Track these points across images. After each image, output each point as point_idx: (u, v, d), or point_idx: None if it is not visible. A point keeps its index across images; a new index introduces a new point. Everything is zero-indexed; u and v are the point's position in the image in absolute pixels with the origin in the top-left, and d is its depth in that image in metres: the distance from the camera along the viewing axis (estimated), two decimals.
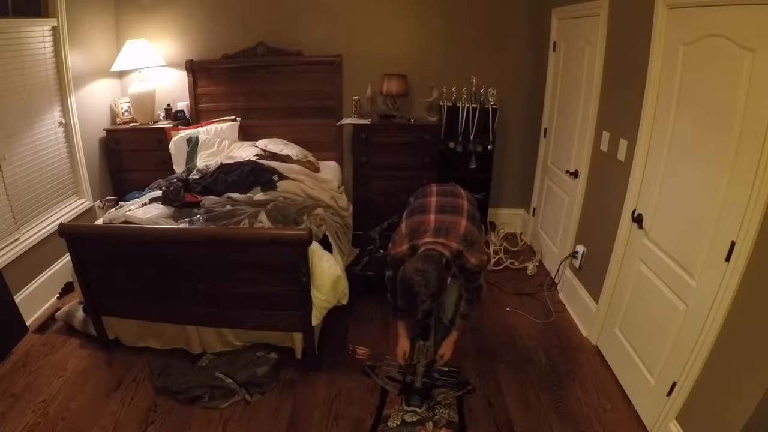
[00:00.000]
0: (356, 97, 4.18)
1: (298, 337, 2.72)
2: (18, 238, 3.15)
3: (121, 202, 3.34)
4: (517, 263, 3.94)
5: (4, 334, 2.87)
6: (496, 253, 3.98)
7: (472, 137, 3.95)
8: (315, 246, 2.62)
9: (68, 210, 3.66)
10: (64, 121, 3.62)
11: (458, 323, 2.36)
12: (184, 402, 2.51)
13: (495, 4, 4.06)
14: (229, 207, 3.06)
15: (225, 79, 4.34)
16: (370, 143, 4.11)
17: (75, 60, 3.65)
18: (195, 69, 4.30)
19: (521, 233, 4.51)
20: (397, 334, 2.40)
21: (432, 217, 2.12)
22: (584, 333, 3.08)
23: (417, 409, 2.31)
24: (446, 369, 2.39)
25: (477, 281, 2.17)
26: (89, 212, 3.89)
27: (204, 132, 4.14)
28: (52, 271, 3.44)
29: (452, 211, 2.15)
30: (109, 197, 4.11)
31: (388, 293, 2.29)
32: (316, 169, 3.98)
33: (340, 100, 4.32)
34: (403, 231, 2.14)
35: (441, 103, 4.07)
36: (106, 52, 4.10)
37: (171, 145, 4.05)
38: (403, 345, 2.36)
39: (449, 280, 2.08)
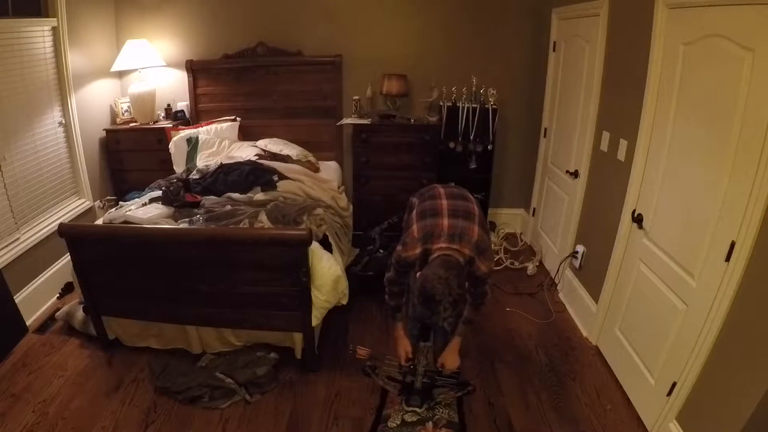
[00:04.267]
0: (356, 97, 4.18)
1: (298, 337, 2.72)
2: (18, 238, 3.15)
3: (121, 202, 3.34)
4: (517, 263, 3.94)
5: (4, 334, 2.87)
6: (496, 253, 3.98)
7: (472, 137, 3.95)
8: (315, 246, 2.62)
9: (68, 210, 3.66)
10: (64, 121, 3.62)
11: (461, 329, 2.32)
12: (184, 402, 2.52)
13: (495, 4, 4.06)
14: (229, 207, 3.06)
15: (225, 79, 4.34)
16: (370, 143, 4.11)
17: (75, 60, 3.65)
18: (195, 69, 4.30)
19: (521, 233, 4.51)
20: (396, 336, 2.39)
21: (446, 221, 2.07)
22: (584, 333, 3.08)
23: (417, 410, 2.31)
24: None
25: (483, 287, 2.15)
26: (89, 212, 3.89)
27: (204, 132, 4.13)
28: (52, 271, 3.44)
29: (465, 217, 2.11)
30: (109, 197, 4.11)
31: (386, 295, 2.27)
32: (316, 169, 3.98)
33: (340, 100, 4.32)
34: (416, 234, 2.08)
35: (441, 103, 4.07)
36: (106, 52, 4.10)
37: (171, 145, 4.05)
38: (405, 345, 2.35)
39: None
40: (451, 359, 2.33)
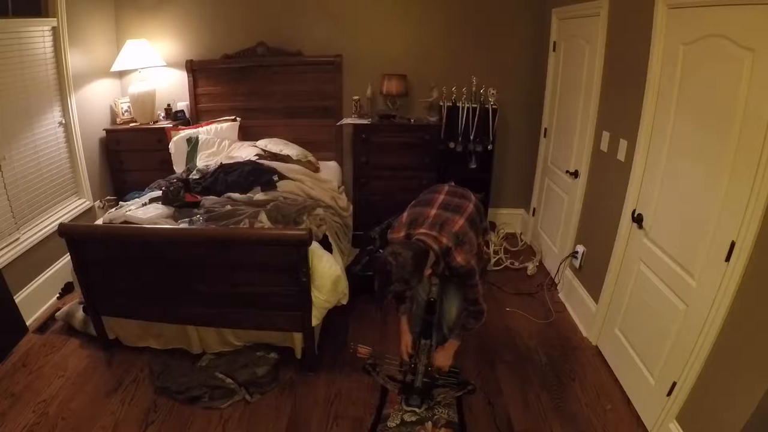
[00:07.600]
0: (356, 97, 4.18)
1: (298, 337, 2.72)
2: (18, 238, 3.15)
3: (121, 202, 3.34)
4: (517, 263, 3.94)
5: (4, 334, 2.87)
6: (496, 253, 3.98)
7: (472, 137, 3.95)
8: (315, 246, 2.62)
9: (68, 210, 3.66)
10: (64, 121, 3.62)
11: (458, 332, 2.33)
12: (184, 402, 2.52)
13: (495, 4, 4.06)
14: (229, 207, 3.06)
15: (225, 79, 4.34)
16: (370, 143, 4.11)
17: (75, 60, 3.65)
18: (195, 69, 4.30)
19: (521, 233, 4.51)
20: (399, 330, 2.41)
21: (433, 211, 2.15)
22: (584, 333, 3.08)
23: (416, 410, 2.31)
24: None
25: (472, 291, 2.14)
26: (89, 212, 3.89)
27: (204, 132, 4.14)
28: (52, 271, 3.44)
29: (454, 210, 2.17)
30: (109, 197, 4.11)
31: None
32: (316, 169, 3.98)
33: (340, 100, 4.32)
34: (404, 219, 2.18)
35: (441, 103, 4.07)
36: (106, 52, 4.10)
37: (171, 145, 4.05)
38: (406, 340, 2.37)
39: (427, 273, 2.06)
40: (441, 357, 2.35)
